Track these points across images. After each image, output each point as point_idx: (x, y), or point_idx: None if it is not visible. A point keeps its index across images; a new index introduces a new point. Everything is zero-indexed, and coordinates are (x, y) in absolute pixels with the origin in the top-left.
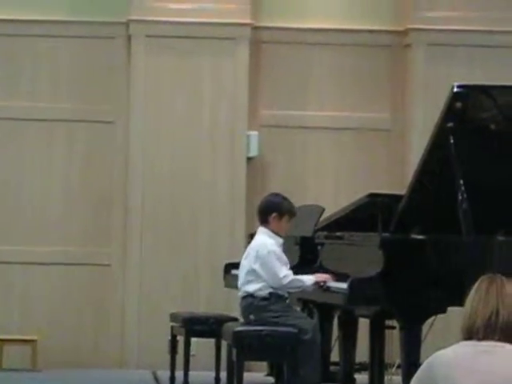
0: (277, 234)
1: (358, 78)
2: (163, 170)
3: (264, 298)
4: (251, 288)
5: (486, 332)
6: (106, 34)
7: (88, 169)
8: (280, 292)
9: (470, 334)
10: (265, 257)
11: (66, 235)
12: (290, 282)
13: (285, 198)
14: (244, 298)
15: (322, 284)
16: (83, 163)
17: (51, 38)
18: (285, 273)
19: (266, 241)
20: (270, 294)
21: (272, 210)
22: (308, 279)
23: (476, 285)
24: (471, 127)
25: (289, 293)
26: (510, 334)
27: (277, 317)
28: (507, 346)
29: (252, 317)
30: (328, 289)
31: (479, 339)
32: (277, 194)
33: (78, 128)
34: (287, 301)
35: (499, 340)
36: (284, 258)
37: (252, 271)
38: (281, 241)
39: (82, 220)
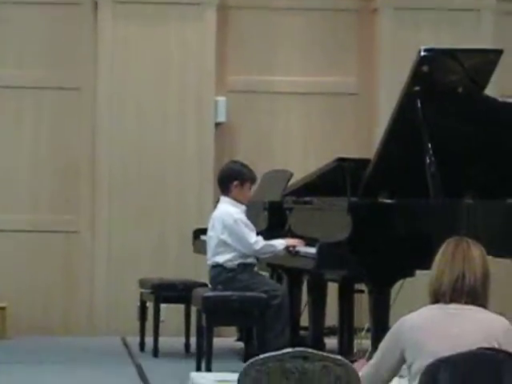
0: (239, 201)
1: (326, 43)
2: (130, 137)
3: (232, 269)
4: (221, 259)
5: (453, 295)
6: (73, 1)
7: (55, 136)
8: (248, 260)
9: (437, 297)
10: (232, 226)
11: (34, 202)
12: (262, 247)
13: (244, 166)
14: (213, 267)
15: (291, 249)
16: (50, 130)
17: (17, 4)
18: (255, 239)
19: (229, 210)
20: (239, 264)
21: (233, 178)
22: (279, 243)
23: (442, 248)
24: (438, 90)
25: (257, 259)
26: (477, 296)
27: (245, 286)
28: (474, 308)
29: (220, 287)
30: (297, 253)
31: (446, 302)
32: (236, 162)
33: (45, 95)
34: (255, 268)
35: (466, 303)
36: (250, 224)
37: (221, 242)
38: (243, 208)
39: (50, 187)
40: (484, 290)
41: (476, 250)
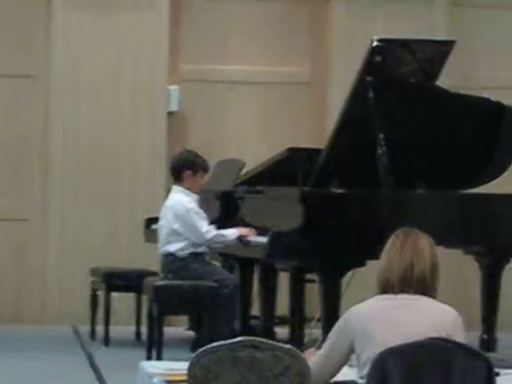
0: (191, 190)
1: (279, 32)
2: (83, 125)
3: (184, 258)
4: (172, 248)
5: (402, 286)
6: None
7: (8, 123)
8: (199, 249)
9: (386, 288)
10: (184, 215)
11: None
12: (214, 236)
13: (197, 155)
14: (165, 256)
15: (243, 238)
16: (3, 118)
17: None
18: (206, 228)
19: (181, 199)
20: (190, 253)
21: (186, 168)
22: (231, 233)
23: (391, 239)
24: (390, 81)
25: (209, 248)
26: (425, 287)
27: (196, 275)
28: (423, 298)
29: (170, 276)
30: (249, 243)
31: (395, 293)
32: (188, 151)
33: None
34: (207, 257)
35: (415, 293)
36: (202, 213)
37: (173, 231)
38: (196, 197)
39: (2, 175)
40: (433, 280)
41: (425, 241)
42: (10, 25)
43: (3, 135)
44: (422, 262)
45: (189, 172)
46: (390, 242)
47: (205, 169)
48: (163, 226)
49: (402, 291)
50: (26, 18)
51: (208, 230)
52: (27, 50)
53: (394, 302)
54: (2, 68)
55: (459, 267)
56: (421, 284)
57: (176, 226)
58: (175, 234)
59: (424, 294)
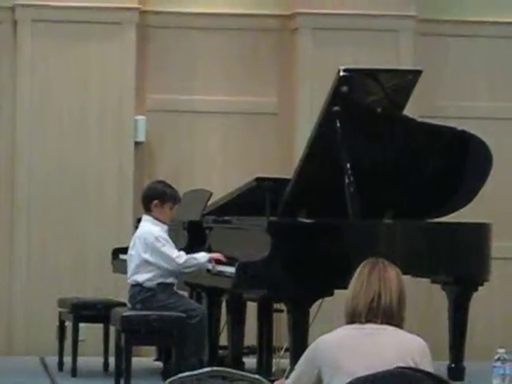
0: (160, 220)
1: (246, 63)
2: (50, 155)
3: (151, 289)
4: (140, 278)
5: (369, 315)
6: None
7: None
8: (168, 280)
9: (353, 318)
10: (153, 243)
11: None
12: (186, 260)
13: (167, 185)
14: (133, 286)
15: (213, 265)
16: None
17: None
18: (177, 253)
19: (150, 228)
20: (159, 284)
21: (153, 198)
22: (201, 256)
23: (358, 269)
24: (357, 111)
25: (179, 276)
26: (392, 316)
27: (163, 305)
28: (390, 328)
29: (138, 306)
30: (217, 273)
31: (362, 322)
32: (160, 181)
33: None
34: (174, 287)
35: (382, 323)
36: (171, 242)
37: (143, 261)
38: (165, 227)
39: None
40: (400, 310)
41: (392, 271)
42: None
43: None
44: (388, 292)
45: (156, 202)
46: (357, 271)
47: (174, 200)
48: (132, 256)
49: (369, 321)
50: None
51: (179, 255)
52: None
53: (362, 332)
54: None
55: (427, 296)
56: (388, 314)
57: (146, 256)
58: (145, 264)
59: (391, 323)
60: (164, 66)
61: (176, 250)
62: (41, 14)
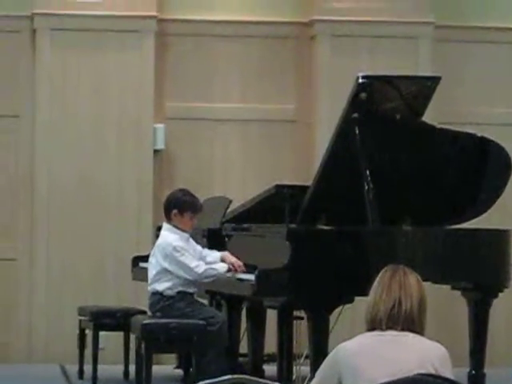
0: (180, 229)
1: (264, 70)
2: (69, 164)
3: (171, 297)
4: (160, 286)
5: (389, 322)
6: (11, 28)
7: None
8: (189, 289)
9: (374, 325)
10: (172, 253)
11: None
12: (205, 270)
13: (187, 194)
14: (153, 294)
15: (231, 275)
16: None
17: None
18: (196, 263)
19: (169, 237)
20: (178, 292)
21: (173, 207)
22: (221, 267)
23: (379, 276)
24: (376, 117)
25: (199, 285)
26: (413, 323)
27: (183, 313)
28: (410, 335)
29: (158, 314)
30: (237, 280)
31: (382, 329)
32: (181, 190)
33: None
34: (194, 296)
35: (402, 330)
36: (191, 250)
37: (162, 270)
38: (186, 235)
39: None
40: (420, 316)
41: (412, 278)
42: None
43: None
44: (409, 299)
45: (175, 211)
46: (377, 279)
47: (194, 209)
48: (152, 264)
49: (389, 328)
50: (10, 57)
51: (197, 265)
52: (12, 90)
53: (382, 339)
54: None
55: (447, 303)
56: (408, 320)
57: (166, 265)
58: (164, 273)
59: (411, 330)
60: (182, 73)
61: (195, 260)
62: (59, 23)
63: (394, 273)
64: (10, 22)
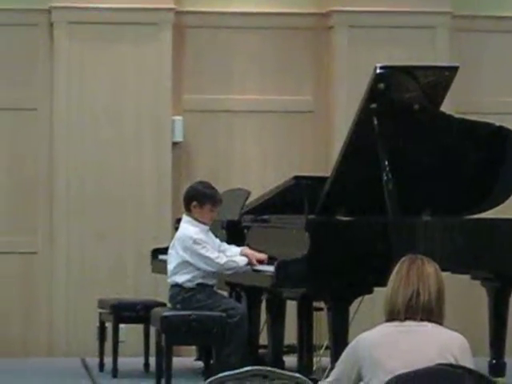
0: (199, 221)
1: (282, 61)
2: (88, 157)
3: (191, 289)
4: (180, 278)
5: (408, 313)
6: (29, 21)
7: (12, 157)
8: (208, 281)
9: (392, 315)
10: (192, 246)
11: None
12: (226, 262)
13: (207, 186)
14: (172, 286)
15: (251, 267)
16: (7, 151)
17: None
18: (216, 254)
19: (189, 230)
20: (198, 284)
21: (193, 199)
22: (241, 260)
23: (397, 266)
24: (394, 108)
25: (215, 278)
26: (431, 313)
27: (203, 305)
28: (429, 325)
29: (178, 306)
30: (256, 272)
31: (401, 320)
32: (201, 182)
33: (1, 116)
34: (214, 288)
35: (421, 320)
36: (211, 242)
37: (182, 262)
38: (205, 228)
39: (7, 208)
40: (439, 306)
41: (430, 268)
42: (12, 58)
43: (8, 169)
44: (427, 289)
45: (195, 203)
46: (395, 269)
47: (213, 202)
48: (172, 256)
49: (408, 318)
50: (28, 50)
51: (218, 256)
52: (30, 83)
53: (401, 329)
54: (4, 101)
55: (467, 292)
56: (427, 311)
57: (186, 257)
58: (184, 265)
59: (430, 320)
60: (200, 65)
61: (216, 251)
62: (77, 16)
63: (411, 263)
64: (27, 15)
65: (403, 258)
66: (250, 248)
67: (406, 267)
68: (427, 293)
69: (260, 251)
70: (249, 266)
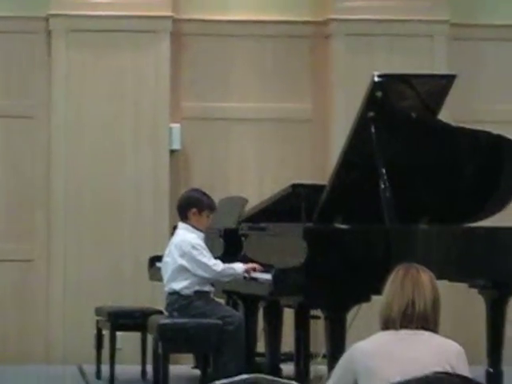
0: (197, 228)
1: (280, 69)
2: (85, 165)
3: (188, 296)
4: (178, 285)
5: (403, 322)
6: (27, 29)
7: (9, 164)
8: (205, 288)
9: (388, 324)
10: (190, 251)
11: None
12: (223, 269)
13: (203, 194)
14: (170, 294)
15: (247, 275)
16: (4, 159)
17: None
18: (214, 261)
19: (186, 236)
20: (196, 291)
21: (191, 206)
22: (238, 267)
23: (392, 275)
24: (392, 116)
25: (213, 285)
26: (427, 321)
27: (200, 313)
28: (426, 333)
29: (176, 314)
30: (253, 280)
31: (397, 329)
32: (196, 190)
33: None
34: (211, 295)
35: (416, 328)
36: (208, 250)
37: (179, 268)
38: (202, 235)
39: (4, 216)
40: (434, 315)
41: (425, 276)
42: (10, 66)
43: (5, 177)
44: (422, 298)
45: (194, 210)
46: (390, 278)
47: (211, 208)
48: (168, 263)
49: (403, 327)
50: (26, 58)
51: (215, 263)
52: (28, 91)
53: (397, 338)
54: (2, 109)
55: (464, 300)
56: (422, 319)
57: (183, 262)
58: (180, 271)
59: (426, 328)
60: (198, 73)
61: (213, 258)
62: (75, 24)
63: (406, 272)
64: (25, 23)
65: (398, 267)
66: (247, 258)
67: (400, 276)
68: (422, 301)
69: (257, 262)
70: (246, 274)
